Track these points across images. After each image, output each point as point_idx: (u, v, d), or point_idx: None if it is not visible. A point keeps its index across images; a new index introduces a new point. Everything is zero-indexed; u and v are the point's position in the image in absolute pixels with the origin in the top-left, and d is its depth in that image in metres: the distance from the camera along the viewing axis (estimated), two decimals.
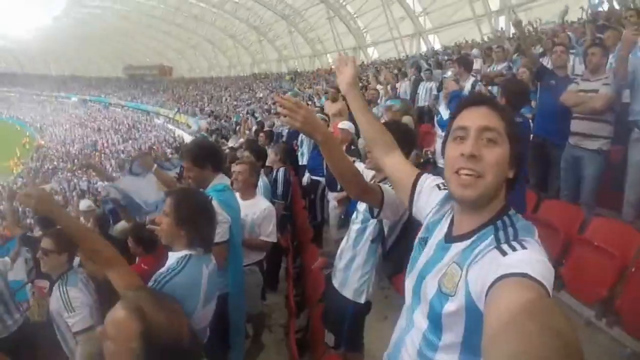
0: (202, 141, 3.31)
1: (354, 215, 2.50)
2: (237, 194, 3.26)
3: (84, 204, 5.90)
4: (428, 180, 1.46)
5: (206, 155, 2.73)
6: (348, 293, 2.41)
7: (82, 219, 5.33)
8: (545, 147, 4.43)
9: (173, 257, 1.94)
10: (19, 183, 28.84)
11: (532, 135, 4.11)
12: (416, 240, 1.36)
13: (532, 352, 0.58)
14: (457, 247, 1.14)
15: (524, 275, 0.86)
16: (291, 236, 5.04)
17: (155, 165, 3.79)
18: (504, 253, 0.99)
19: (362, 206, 2.36)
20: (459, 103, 1.25)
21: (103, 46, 60.69)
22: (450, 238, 1.20)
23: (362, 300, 2.40)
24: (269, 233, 3.37)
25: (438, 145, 4.76)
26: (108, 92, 56.52)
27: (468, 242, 1.12)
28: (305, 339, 3.19)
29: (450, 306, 1.09)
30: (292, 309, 3.29)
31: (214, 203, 2.25)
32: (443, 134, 3.82)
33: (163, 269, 1.88)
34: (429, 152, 5.07)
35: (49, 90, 66.47)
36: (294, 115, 1.49)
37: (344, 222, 3.94)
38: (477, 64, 8.40)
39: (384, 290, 3.65)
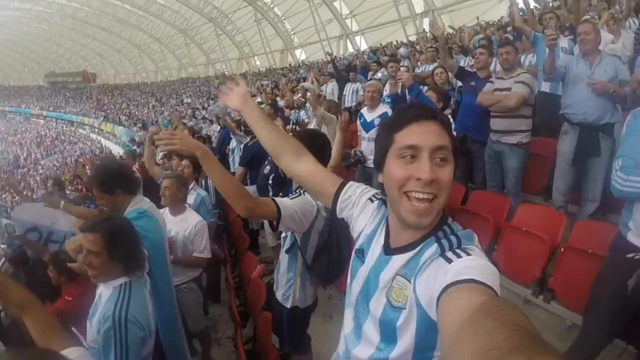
0: (107, 163, 3.02)
1: None
2: (167, 210, 3.34)
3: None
4: (357, 191, 1.40)
5: (114, 179, 2.50)
6: (279, 297, 2.47)
7: None
8: (467, 143, 4.67)
9: (108, 287, 1.91)
10: None
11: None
12: (353, 252, 1.33)
13: (498, 346, 0.56)
14: (400, 259, 1.11)
15: (472, 280, 0.88)
16: (228, 245, 5.12)
17: (63, 202, 3.56)
18: (449, 260, 0.99)
19: None
20: (403, 115, 1.13)
21: (23, 52, 58.18)
22: (389, 250, 1.16)
23: (288, 305, 2.42)
24: (202, 249, 3.31)
25: (364, 145, 4.93)
26: (29, 102, 54.08)
27: (412, 253, 1.09)
28: (254, 349, 3.20)
29: (402, 318, 1.07)
30: (237, 320, 3.26)
31: None
32: (366, 135, 4.92)
33: (105, 308, 1.85)
34: (358, 152, 5.04)
35: None
36: (172, 140, 1.70)
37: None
38: (404, 64, 8.58)
39: (327, 290, 3.73)
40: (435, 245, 1.05)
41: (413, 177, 1.04)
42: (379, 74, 8.29)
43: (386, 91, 6.33)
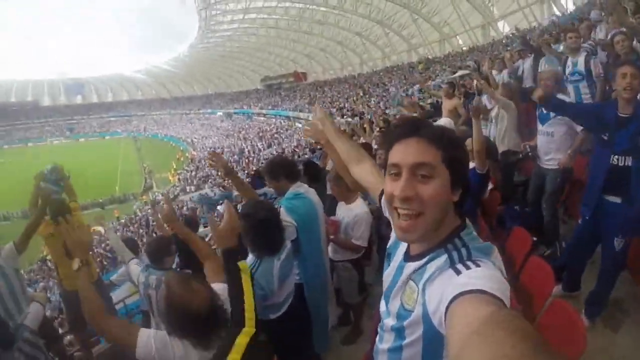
0: (275, 158, 3.61)
1: None
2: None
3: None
4: None
5: (278, 170, 3.16)
6: None
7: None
8: None
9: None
10: (177, 191, 33.34)
11: None
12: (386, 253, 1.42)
13: (508, 354, 0.58)
14: (411, 266, 1.18)
15: (480, 291, 0.88)
16: None
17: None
18: (458, 272, 1.00)
19: None
20: (390, 135, 1.21)
21: (239, 63, 66.97)
22: (407, 257, 1.23)
23: None
24: (358, 237, 3.49)
25: (539, 140, 4.04)
26: (250, 104, 61.14)
27: (421, 262, 1.14)
28: None
29: (410, 320, 1.14)
30: None
31: (281, 210, 2.81)
32: (542, 128, 3.87)
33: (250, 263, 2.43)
34: (528, 146, 4.39)
35: (195, 108, 75.17)
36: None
37: None
38: (601, 33, 6.69)
39: None
40: (445, 256, 1.08)
41: (395, 195, 1.09)
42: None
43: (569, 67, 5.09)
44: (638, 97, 2.73)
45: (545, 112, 3.83)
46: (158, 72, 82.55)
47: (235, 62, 67.75)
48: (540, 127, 3.96)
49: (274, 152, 33.14)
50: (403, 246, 1.27)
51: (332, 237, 3.47)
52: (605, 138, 2.84)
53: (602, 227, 2.96)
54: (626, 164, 2.73)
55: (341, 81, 47.83)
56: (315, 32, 47.70)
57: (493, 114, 5.31)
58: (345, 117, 28.13)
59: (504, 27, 30.88)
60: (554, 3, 26.59)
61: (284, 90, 58.02)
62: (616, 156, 2.77)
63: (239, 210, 2.54)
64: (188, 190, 32.05)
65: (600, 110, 2.94)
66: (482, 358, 0.62)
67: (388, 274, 1.31)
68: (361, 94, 35.43)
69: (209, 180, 31.44)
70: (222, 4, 44.73)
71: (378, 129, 7.60)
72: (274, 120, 50.17)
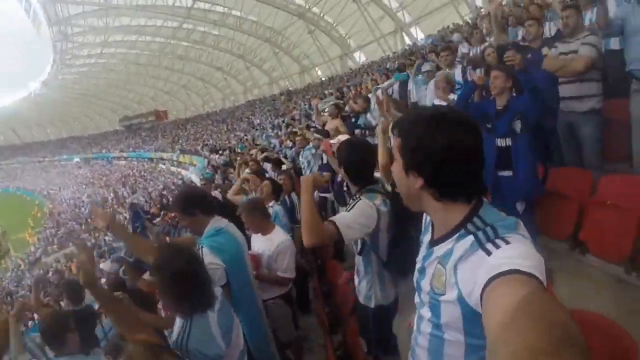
0: (185, 189, 3.39)
1: None
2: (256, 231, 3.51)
3: (107, 265, 5.79)
4: None
5: (192, 203, 2.74)
6: (362, 299, 2.53)
7: (103, 279, 5.19)
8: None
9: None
10: (37, 253, 29.46)
11: None
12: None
13: (532, 347, 0.58)
14: (438, 250, 1.18)
15: (513, 271, 0.88)
16: (313, 257, 5.00)
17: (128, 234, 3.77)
18: (488, 252, 1.00)
19: None
20: None
21: (96, 102, 62.23)
22: (433, 241, 1.23)
23: (372, 305, 2.48)
24: (285, 269, 3.36)
25: None
26: (109, 147, 57.15)
27: (444, 244, 1.16)
28: (345, 354, 3.21)
29: (443, 303, 1.14)
30: (325, 327, 3.29)
31: (205, 250, 2.49)
32: None
33: (174, 334, 2.07)
34: None
35: (50, 155, 67.55)
36: None
37: None
38: (464, 48, 8.14)
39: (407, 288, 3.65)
40: (471, 237, 1.07)
41: None
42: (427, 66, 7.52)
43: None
44: (513, 93, 3.60)
45: None
46: (6, 114, 71.88)
47: (93, 102, 62.92)
48: None
49: (140, 198, 31.78)
50: (428, 231, 1.30)
51: (254, 273, 3.13)
52: (489, 127, 3.52)
53: (505, 198, 3.49)
54: (507, 144, 3.47)
55: (203, 117, 47.75)
56: (177, 67, 46.98)
57: (378, 130, 5.21)
58: (218, 154, 27.38)
59: (360, 57, 33.14)
60: (405, 34, 28.88)
61: (144, 130, 55.40)
62: (499, 139, 3.49)
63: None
64: (50, 251, 29.01)
65: (483, 107, 3.76)
66: (509, 350, 0.63)
67: (420, 257, 1.33)
68: (225, 129, 35.36)
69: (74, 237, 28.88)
70: (80, 36, 40.91)
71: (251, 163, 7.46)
72: (135, 163, 47.44)
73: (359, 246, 2.43)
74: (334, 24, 33.17)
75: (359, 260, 2.49)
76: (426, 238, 1.32)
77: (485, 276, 0.92)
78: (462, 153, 1.09)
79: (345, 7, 30.09)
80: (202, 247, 2.54)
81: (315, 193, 5.67)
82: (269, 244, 3.35)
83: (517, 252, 0.95)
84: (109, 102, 62.16)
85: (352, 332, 2.92)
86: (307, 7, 32.31)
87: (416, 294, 1.34)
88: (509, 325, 0.71)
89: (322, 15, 32.84)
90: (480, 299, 0.93)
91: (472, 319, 1.05)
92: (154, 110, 56.01)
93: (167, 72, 48.31)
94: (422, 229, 1.42)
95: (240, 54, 40.60)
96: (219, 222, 2.76)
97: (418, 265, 1.31)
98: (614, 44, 4.34)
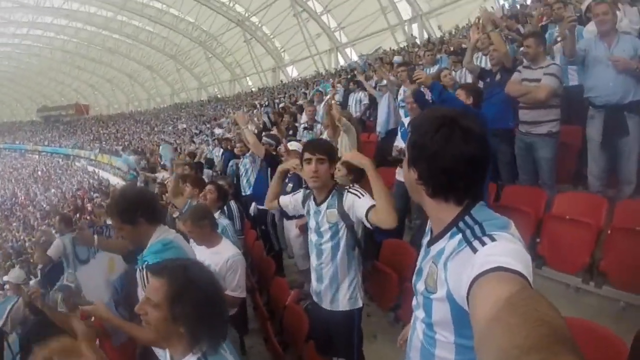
0: (126, 191, 2.61)
1: (314, 238, 2.59)
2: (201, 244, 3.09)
3: (15, 274, 5.30)
4: None
5: (135, 208, 2.17)
6: (344, 306, 2.50)
7: (8, 292, 4.81)
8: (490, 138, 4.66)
9: None
10: None
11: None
12: None
13: (520, 344, 0.57)
14: (433, 249, 1.22)
15: (499, 268, 0.88)
16: (251, 272, 4.58)
17: (96, 238, 3.41)
18: (474, 250, 1.02)
19: (324, 225, 2.50)
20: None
21: (14, 87, 57.75)
22: (430, 241, 1.27)
23: (360, 304, 2.53)
24: (235, 286, 2.97)
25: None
26: (23, 138, 53.19)
27: (438, 243, 1.19)
28: None
29: (434, 301, 1.17)
30: (279, 353, 3.11)
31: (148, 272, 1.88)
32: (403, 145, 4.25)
33: None
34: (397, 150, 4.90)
35: None
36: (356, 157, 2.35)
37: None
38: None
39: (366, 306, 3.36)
40: (459, 235, 1.11)
41: None
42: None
43: (400, 95, 6.22)
44: None
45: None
46: None
47: (10, 87, 57.95)
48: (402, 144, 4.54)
49: (53, 198, 30.40)
50: (428, 233, 1.33)
51: None
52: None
53: None
54: None
55: (126, 117, 45.71)
56: (105, 60, 44.72)
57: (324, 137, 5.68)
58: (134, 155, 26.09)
59: (293, 72, 33.35)
60: (340, 53, 29.31)
61: (62, 123, 51.68)
62: None
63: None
64: None
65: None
66: (496, 350, 0.62)
67: (419, 259, 1.35)
68: (148, 131, 34.31)
69: None
70: (7, 12, 37.14)
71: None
72: (50, 158, 44.62)
73: (350, 240, 2.45)
74: (271, 36, 33.17)
75: (342, 259, 2.47)
76: (425, 240, 1.35)
77: (471, 274, 0.93)
78: (458, 159, 1.10)
79: (284, 20, 30.13)
80: (142, 266, 2.09)
81: (254, 205, 5.62)
82: (217, 258, 2.94)
83: (502, 249, 0.96)
84: (28, 89, 57.85)
85: (310, 356, 2.74)
86: (246, 15, 32.02)
87: (414, 298, 1.37)
88: (496, 321, 0.69)
89: (260, 25, 32.74)
90: (467, 297, 0.94)
91: (461, 319, 1.08)
92: (74, 103, 53.33)
93: (94, 64, 45.99)
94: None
95: (172, 54, 39.53)
96: (166, 233, 2.27)
97: (416, 267, 1.34)
98: (572, 80, 4.84)
